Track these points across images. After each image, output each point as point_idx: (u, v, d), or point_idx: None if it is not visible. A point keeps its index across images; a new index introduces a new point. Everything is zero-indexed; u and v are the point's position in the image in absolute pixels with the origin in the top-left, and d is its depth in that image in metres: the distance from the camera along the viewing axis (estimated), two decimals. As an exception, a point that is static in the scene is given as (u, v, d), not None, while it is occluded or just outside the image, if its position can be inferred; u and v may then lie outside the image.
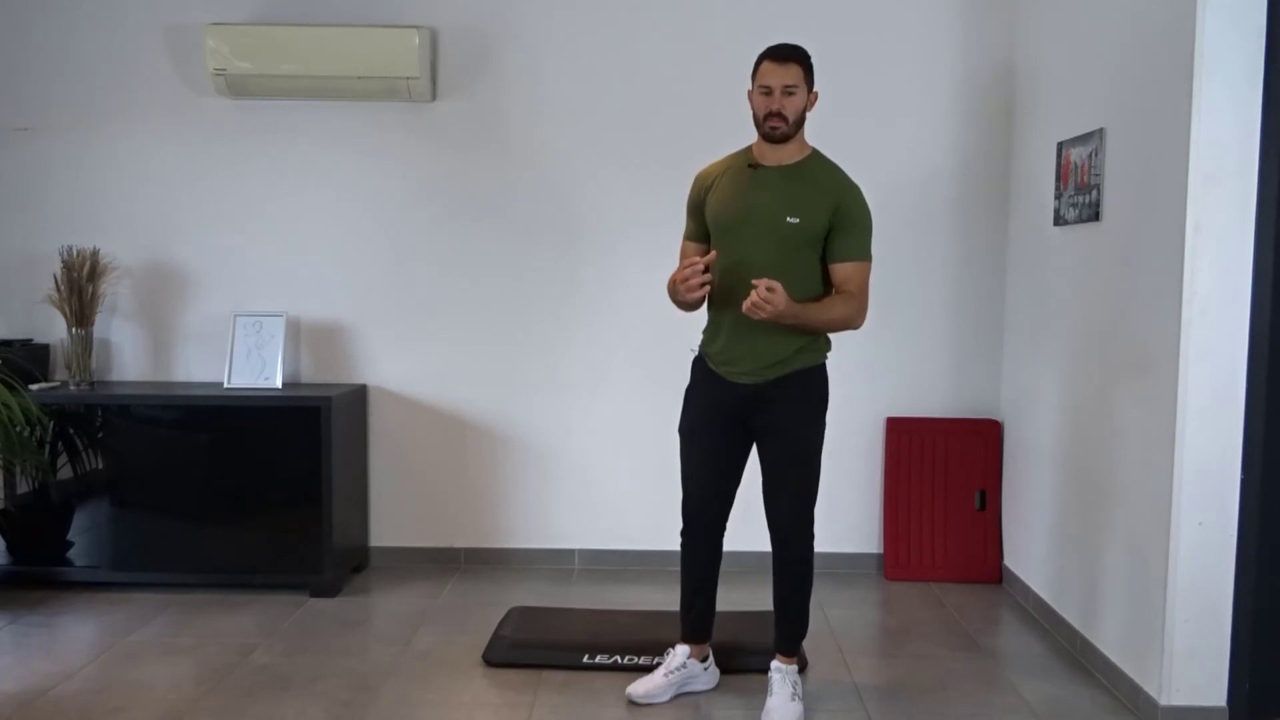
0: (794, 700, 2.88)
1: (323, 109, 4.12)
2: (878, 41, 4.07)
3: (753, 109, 2.81)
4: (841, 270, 2.79)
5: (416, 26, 3.95)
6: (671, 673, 3.02)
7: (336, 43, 3.90)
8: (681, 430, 3.00)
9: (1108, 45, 3.24)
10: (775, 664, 2.94)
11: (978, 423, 4.15)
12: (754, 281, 2.62)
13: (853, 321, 2.82)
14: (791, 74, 2.74)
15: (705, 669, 3.08)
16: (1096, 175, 3.25)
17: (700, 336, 2.97)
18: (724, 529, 3.03)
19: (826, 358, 2.90)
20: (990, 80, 4.08)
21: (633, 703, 2.97)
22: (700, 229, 2.95)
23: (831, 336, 2.91)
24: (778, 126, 2.76)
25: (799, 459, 2.85)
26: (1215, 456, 2.77)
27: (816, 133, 4.24)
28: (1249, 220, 2.73)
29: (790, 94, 2.74)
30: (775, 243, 2.76)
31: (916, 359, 4.17)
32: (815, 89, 2.82)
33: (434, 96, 4.12)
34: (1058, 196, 3.56)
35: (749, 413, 2.86)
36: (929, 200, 4.12)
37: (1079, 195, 3.38)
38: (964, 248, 4.14)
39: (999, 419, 4.15)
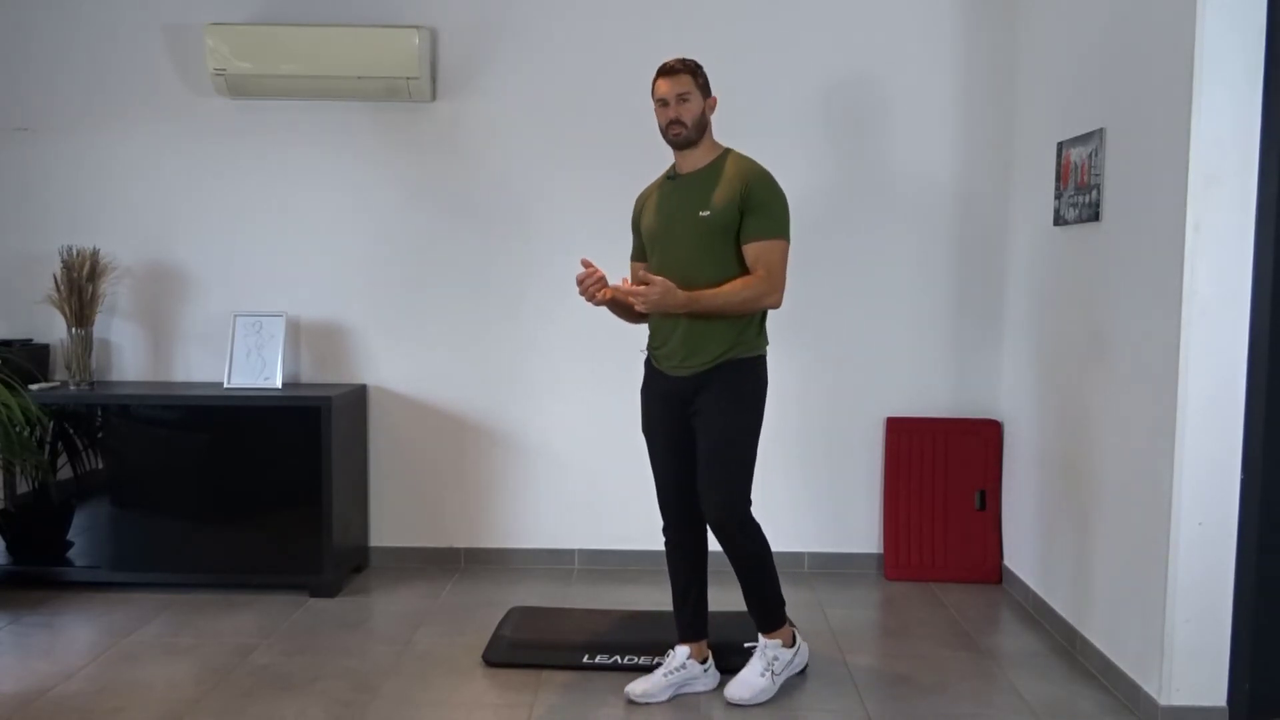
0: (763, 676, 2.98)
1: (323, 109, 4.12)
2: (878, 42, 4.07)
3: (658, 123, 2.96)
4: (750, 251, 2.88)
5: (416, 26, 3.95)
6: (671, 673, 3.04)
7: (336, 43, 3.90)
8: (643, 430, 3.10)
9: (1108, 45, 3.24)
10: (760, 638, 3.06)
11: (978, 423, 4.15)
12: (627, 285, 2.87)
13: (762, 300, 2.87)
14: (682, 83, 2.91)
15: (705, 670, 3.08)
16: (1096, 175, 3.25)
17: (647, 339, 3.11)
18: (703, 522, 3.05)
19: (760, 351, 2.97)
20: (990, 80, 4.08)
21: (631, 701, 2.98)
22: (641, 246, 3.14)
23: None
24: (679, 133, 2.92)
25: (719, 448, 2.91)
26: (1215, 456, 2.77)
27: (820, 131, 4.25)
28: (1249, 220, 2.73)
29: (684, 101, 2.90)
30: (692, 240, 2.92)
31: (916, 359, 4.17)
32: (713, 95, 2.97)
33: (434, 96, 4.12)
34: (1058, 196, 3.56)
35: (688, 405, 2.96)
36: (929, 200, 4.12)
37: (1079, 195, 3.38)
38: (964, 248, 4.14)
39: (999, 419, 4.15)
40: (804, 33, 4.07)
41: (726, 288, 2.85)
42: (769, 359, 3.01)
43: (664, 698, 3.01)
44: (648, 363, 3.08)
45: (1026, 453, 3.90)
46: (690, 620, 3.10)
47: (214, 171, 4.16)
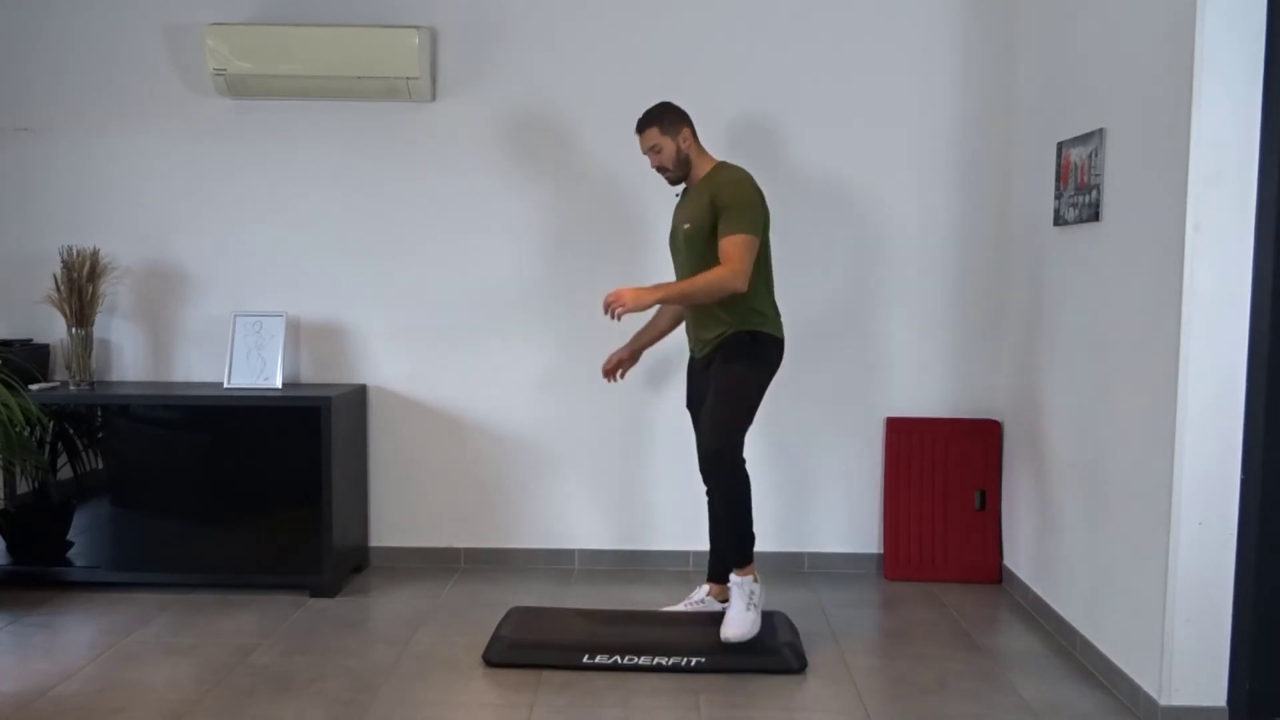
0: (749, 609, 3.22)
1: (323, 109, 4.12)
2: (878, 42, 4.07)
3: None
4: (720, 247, 3.17)
5: (416, 26, 3.95)
6: (692, 605, 3.51)
7: (336, 43, 3.90)
8: (686, 405, 3.56)
9: (1108, 45, 3.24)
10: (731, 576, 3.29)
11: (978, 423, 4.15)
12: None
13: (725, 283, 3.12)
14: (648, 138, 3.32)
15: (725, 607, 3.36)
16: (1096, 175, 3.25)
17: None
18: None
19: (760, 329, 3.24)
20: (990, 80, 4.08)
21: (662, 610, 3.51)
22: None
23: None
24: (667, 177, 3.38)
25: (716, 396, 3.22)
26: (1215, 456, 2.77)
27: (819, 132, 4.25)
28: (1249, 220, 2.73)
29: (657, 152, 3.32)
30: (687, 248, 3.29)
31: (916, 359, 4.17)
32: (683, 127, 3.30)
33: (434, 96, 4.12)
34: (1058, 196, 3.56)
35: (705, 379, 3.32)
36: (929, 200, 4.12)
37: (1079, 195, 3.38)
38: (964, 248, 4.13)
39: (999, 419, 4.15)
40: (803, 34, 4.06)
41: (694, 279, 3.18)
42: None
43: None
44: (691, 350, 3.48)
45: (1026, 453, 3.90)
46: (714, 562, 3.50)
47: (214, 171, 4.16)
